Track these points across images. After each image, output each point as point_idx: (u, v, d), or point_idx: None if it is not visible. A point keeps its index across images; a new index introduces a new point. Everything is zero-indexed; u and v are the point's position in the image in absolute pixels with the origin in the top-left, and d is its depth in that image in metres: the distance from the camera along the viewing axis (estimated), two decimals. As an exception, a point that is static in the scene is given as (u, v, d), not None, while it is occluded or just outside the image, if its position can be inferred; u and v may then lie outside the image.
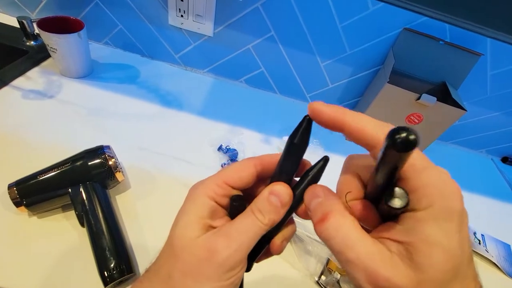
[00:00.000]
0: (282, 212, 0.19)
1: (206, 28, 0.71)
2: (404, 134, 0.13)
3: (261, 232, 0.19)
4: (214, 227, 0.20)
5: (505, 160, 0.88)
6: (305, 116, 0.19)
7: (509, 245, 0.63)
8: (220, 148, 0.61)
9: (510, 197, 0.77)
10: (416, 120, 0.66)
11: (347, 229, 0.16)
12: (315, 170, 0.20)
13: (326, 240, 0.16)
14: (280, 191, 0.19)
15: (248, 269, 0.22)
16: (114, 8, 0.72)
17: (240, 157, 0.61)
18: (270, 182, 0.21)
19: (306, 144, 0.19)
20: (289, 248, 0.49)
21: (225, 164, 0.58)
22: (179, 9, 0.68)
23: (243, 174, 0.21)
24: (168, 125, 0.64)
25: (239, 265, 0.19)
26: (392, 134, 0.13)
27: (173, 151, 0.58)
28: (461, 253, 0.14)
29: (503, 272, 0.56)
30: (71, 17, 0.64)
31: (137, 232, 0.45)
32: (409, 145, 0.13)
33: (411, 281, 0.13)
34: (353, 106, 0.82)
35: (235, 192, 0.21)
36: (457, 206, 0.14)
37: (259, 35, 0.71)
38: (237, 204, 0.21)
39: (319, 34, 0.68)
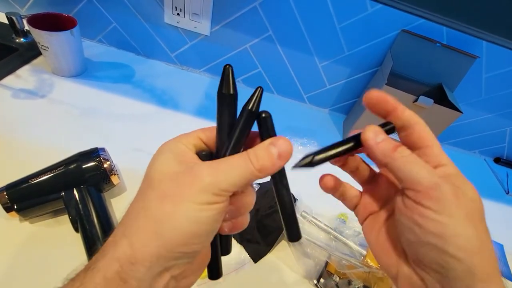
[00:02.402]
0: (277, 166, 0.19)
1: (203, 27, 0.69)
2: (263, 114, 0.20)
3: (249, 177, 0.18)
4: (195, 161, 0.20)
5: (497, 160, 0.89)
6: (226, 65, 0.20)
7: (502, 245, 0.64)
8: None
9: (503, 197, 0.78)
10: (413, 122, 0.66)
11: (413, 156, 0.19)
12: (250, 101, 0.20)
13: (395, 167, 0.19)
14: (282, 145, 0.19)
15: (226, 251, 0.23)
16: (108, 5, 0.70)
17: (238, 158, 0.60)
18: (217, 140, 0.21)
19: (235, 92, 0.20)
20: (288, 250, 0.48)
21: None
22: (175, 7, 0.67)
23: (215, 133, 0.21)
24: (165, 125, 0.62)
25: (222, 196, 0.17)
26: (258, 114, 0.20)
27: (170, 153, 0.57)
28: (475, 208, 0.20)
29: (497, 272, 0.57)
30: (63, 14, 0.62)
31: (134, 236, 0.44)
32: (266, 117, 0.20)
33: (452, 198, 0.18)
34: (350, 107, 0.82)
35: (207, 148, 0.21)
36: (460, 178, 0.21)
37: (256, 35, 0.70)
38: (205, 154, 0.21)
39: (317, 34, 0.68)
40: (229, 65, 0.20)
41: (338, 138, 0.77)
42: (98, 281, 0.16)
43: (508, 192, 0.80)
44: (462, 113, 0.61)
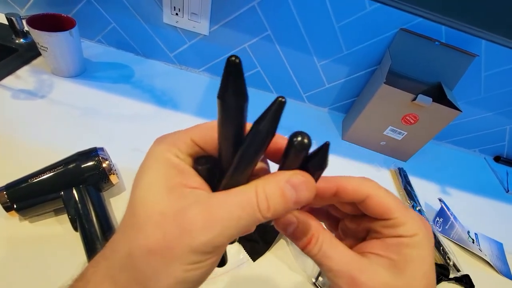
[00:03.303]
0: (290, 210, 0.16)
1: (202, 26, 0.70)
2: (300, 138, 0.15)
3: (252, 224, 0.15)
4: (189, 187, 0.16)
5: (497, 159, 0.89)
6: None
7: (501, 244, 0.64)
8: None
9: (502, 196, 0.78)
10: (411, 121, 0.66)
11: (330, 245, 0.17)
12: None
13: (312, 258, 0.18)
14: (303, 189, 0.15)
15: (222, 263, 0.20)
16: (107, 5, 0.70)
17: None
18: (220, 148, 0.16)
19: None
20: (286, 249, 0.49)
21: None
22: (174, 7, 0.67)
23: (215, 134, 0.16)
24: (164, 125, 0.63)
25: (216, 253, 0.15)
26: (291, 137, 0.15)
27: (169, 152, 0.57)
28: (433, 276, 0.17)
29: (496, 270, 0.57)
30: (62, 15, 0.62)
31: (133, 235, 0.44)
32: (303, 146, 0.15)
33: (387, 285, 0.16)
34: (349, 107, 0.82)
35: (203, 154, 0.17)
36: (432, 240, 0.18)
37: (255, 34, 0.70)
38: (202, 168, 0.16)
39: (316, 33, 0.68)
40: (236, 57, 0.13)
41: (337, 137, 0.77)
42: None
43: (508, 190, 0.80)
44: (461, 111, 0.61)
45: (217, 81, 0.79)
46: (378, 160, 0.74)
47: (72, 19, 0.61)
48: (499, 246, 0.64)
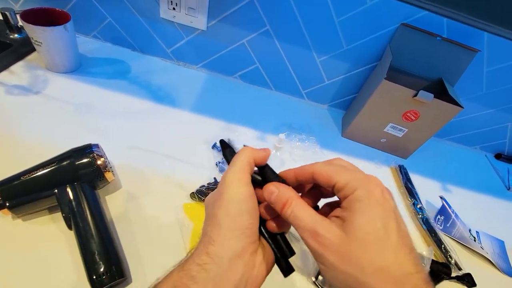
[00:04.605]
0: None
1: (199, 21, 0.68)
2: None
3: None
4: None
5: (498, 156, 0.88)
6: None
7: (503, 242, 0.64)
8: (214, 146, 0.60)
9: (504, 193, 0.77)
10: (412, 117, 0.65)
11: (299, 209, 0.22)
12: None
13: (287, 218, 0.22)
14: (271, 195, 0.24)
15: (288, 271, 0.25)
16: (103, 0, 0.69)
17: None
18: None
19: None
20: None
21: (219, 162, 0.57)
22: (171, 2, 0.66)
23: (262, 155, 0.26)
24: (160, 122, 0.62)
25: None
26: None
27: (166, 150, 0.56)
28: (385, 222, 0.19)
29: (498, 269, 0.57)
30: (57, 9, 0.61)
31: (129, 234, 0.43)
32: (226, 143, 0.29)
33: (338, 238, 0.19)
34: (349, 103, 0.81)
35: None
36: (377, 189, 0.20)
37: (254, 30, 0.69)
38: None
39: (315, 29, 0.67)
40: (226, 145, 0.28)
41: (337, 134, 0.76)
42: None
43: (510, 188, 0.79)
44: (462, 108, 0.60)
45: (214, 77, 0.78)
46: (379, 158, 0.73)
47: (67, 13, 0.60)
48: (501, 244, 0.63)
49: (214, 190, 0.27)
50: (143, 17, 0.71)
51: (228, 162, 0.26)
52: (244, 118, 0.69)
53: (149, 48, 0.77)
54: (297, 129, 0.72)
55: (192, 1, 0.65)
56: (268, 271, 0.24)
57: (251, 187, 0.24)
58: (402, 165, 0.71)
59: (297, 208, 0.22)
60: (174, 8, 0.67)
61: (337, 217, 0.21)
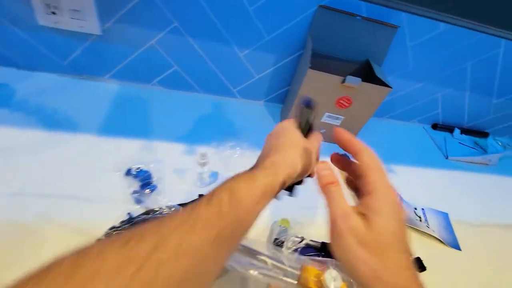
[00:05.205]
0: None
1: (91, 25, 0.57)
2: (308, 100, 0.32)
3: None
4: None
5: (435, 126, 0.91)
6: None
7: (447, 214, 0.64)
8: (128, 173, 0.50)
9: (443, 163, 0.79)
10: (346, 104, 0.62)
11: (338, 195, 0.26)
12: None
13: (325, 194, 0.26)
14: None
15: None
16: (-44, 10, 0.54)
17: (155, 179, 0.51)
18: None
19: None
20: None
21: (135, 192, 0.48)
22: (48, 5, 0.53)
23: None
24: (56, 154, 0.50)
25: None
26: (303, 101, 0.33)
27: (63, 189, 0.46)
28: (398, 227, 0.24)
29: (445, 244, 0.57)
30: None
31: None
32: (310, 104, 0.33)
33: (362, 225, 0.24)
34: (284, 96, 0.76)
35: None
36: (394, 198, 0.25)
37: (160, 28, 0.60)
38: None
39: (229, 20, 0.60)
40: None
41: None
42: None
43: (448, 156, 0.81)
44: (391, 88, 0.58)
45: (129, 88, 0.67)
46: (321, 150, 0.69)
47: None
48: (445, 216, 0.64)
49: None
50: (18, 27, 0.57)
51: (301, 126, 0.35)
52: (168, 132, 0.60)
53: (37, 64, 0.63)
54: (232, 133, 0.65)
55: (74, 2, 0.53)
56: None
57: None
58: (345, 153, 0.68)
59: (337, 192, 0.26)
60: (53, 12, 0.54)
61: (360, 213, 0.24)
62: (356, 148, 0.27)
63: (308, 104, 0.33)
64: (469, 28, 0.64)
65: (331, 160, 0.31)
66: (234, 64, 0.67)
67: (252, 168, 0.29)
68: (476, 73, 0.75)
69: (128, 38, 0.60)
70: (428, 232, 0.57)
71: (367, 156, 0.26)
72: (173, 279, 0.18)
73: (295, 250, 0.46)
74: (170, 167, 0.54)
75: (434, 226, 0.60)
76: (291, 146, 0.31)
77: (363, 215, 0.24)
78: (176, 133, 0.61)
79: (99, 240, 0.27)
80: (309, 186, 0.35)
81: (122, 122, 0.59)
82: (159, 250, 0.18)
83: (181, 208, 0.45)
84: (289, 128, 0.34)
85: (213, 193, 0.24)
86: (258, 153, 0.62)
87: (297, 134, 0.33)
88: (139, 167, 0.51)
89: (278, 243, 0.46)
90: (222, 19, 0.59)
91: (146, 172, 0.51)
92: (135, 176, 0.50)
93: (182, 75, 0.68)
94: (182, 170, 0.54)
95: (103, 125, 0.58)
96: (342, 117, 0.65)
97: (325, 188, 0.26)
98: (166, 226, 0.20)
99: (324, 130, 0.69)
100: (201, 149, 0.50)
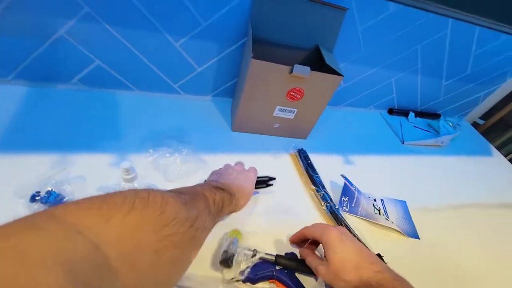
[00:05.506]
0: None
1: (-32, 12, 0.44)
2: None
3: None
4: None
5: (391, 111, 0.90)
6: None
7: (405, 202, 0.63)
8: (34, 199, 0.40)
9: (399, 148, 0.79)
10: (297, 96, 0.57)
11: (312, 258, 0.41)
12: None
13: (307, 261, 0.41)
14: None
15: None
16: None
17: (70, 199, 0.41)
18: None
19: None
20: None
21: (42, 223, 0.38)
22: None
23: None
24: None
25: None
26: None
27: None
28: (349, 257, 0.37)
29: (404, 235, 0.55)
30: None
31: None
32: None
33: (325, 268, 0.37)
34: (233, 89, 0.68)
35: None
36: (333, 235, 0.39)
37: (67, 15, 0.48)
38: None
39: (153, 3, 0.50)
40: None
41: (226, 127, 0.64)
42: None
43: (404, 141, 0.81)
44: (342, 76, 0.53)
45: (40, 89, 0.55)
46: (276, 146, 0.64)
47: None
48: (403, 205, 0.63)
49: None
50: None
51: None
52: (91, 140, 0.50)
53: None
54: (174, 136, 0.57)
55: None
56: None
57: None
58: (301, 149, 0.64)
59: (310, 259, 0.41)
60: None
61: (325, 258, 0.38)
62: (312, 236, 0.42)
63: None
64: (418, 8, 0.61)
65: (293, 243, 0.47)
66: (170, 55, 0.58)
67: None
68: (426, 55, 0.74)
69: (28, 29, 0.48)
70: (388, 225, 0.55)
71: (323, 236, 0.39)
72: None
73: (247, 268, 0.41)
74: (93, 185, 0.44)
75: (393, 217, 0.58)
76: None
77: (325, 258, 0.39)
78: (102, 142, 0.51)
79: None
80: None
81: (28, 133, 0.48)
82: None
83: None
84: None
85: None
86: (203, 157, 0.55)
87: None
88: (49, 190, 0.41)
89: (226, 260, 0.40)
90: (145, 1, 0.49)
91: (58, 195, 0.41)
92: (45, 202, 0.40)
93: (108, 71, 0.58)
94: (110, 188, 0.45)
95: (0, 139, 0.46)
96: (295, 110, 0.60)
97: (307, 261, 0.41)
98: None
99: (278, 125, 0.63)
100: (127, 162, 0.41)
